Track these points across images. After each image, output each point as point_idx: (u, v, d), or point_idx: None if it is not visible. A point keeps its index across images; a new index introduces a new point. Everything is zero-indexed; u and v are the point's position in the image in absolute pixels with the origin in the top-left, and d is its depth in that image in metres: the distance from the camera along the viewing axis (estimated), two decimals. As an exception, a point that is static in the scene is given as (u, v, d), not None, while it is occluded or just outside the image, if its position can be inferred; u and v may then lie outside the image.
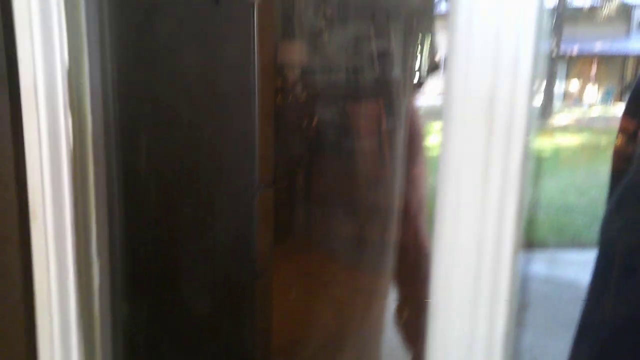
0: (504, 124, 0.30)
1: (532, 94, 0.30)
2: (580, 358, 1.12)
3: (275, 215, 1.24)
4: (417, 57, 1.35)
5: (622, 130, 1.15)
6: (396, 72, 1.34)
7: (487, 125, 0.30)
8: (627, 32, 18.63)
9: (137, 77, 0.73)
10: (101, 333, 0.55)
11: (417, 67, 1.35)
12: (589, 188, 6.33)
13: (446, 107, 0.32)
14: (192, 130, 0.95)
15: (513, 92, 0.30)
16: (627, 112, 1.16)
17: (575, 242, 4.71)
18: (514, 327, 0.32)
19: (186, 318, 0.93)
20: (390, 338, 1.27)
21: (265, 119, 1.15)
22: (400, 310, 1.28)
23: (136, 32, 0.75)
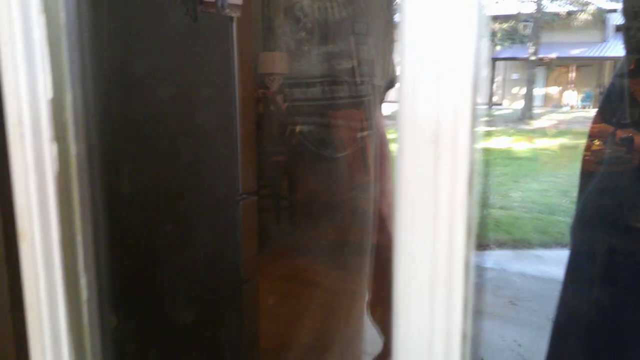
0: (449, 148, 0.33)
1: (473, 122, 0.34)
2: (557, 352, 1.17)
3: (260, 222, 1.27)
4: (393, 64, 1.40)
5: (593, 134, 1.19)
6: (377, 80, 1.38)
7: (434, 150, 0.34)
8: (604, 37, 19.01)
9: (118, 100, 0.76)
10: (91, 343, 0.58)
11: (392, 74, 1.39)
12: (571, 188, 6.45)
13: (399, 135, 0.36)
14: (173, 143, 0.97)
15: (455, 122, 0.34)
16: (599, 118, 1.20)
17: (559, 242, 4.80)
18: (470, 323, 0.36)
19: (173, 325, 0.95)
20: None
21: (246, 128, 1.18)
22: (373, 306, 1.32)
23: (116, 59, 0.78)
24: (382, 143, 1.33)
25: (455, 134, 0.32)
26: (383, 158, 1.34)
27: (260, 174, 1.27)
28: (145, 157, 0.87)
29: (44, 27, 0.51)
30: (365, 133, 1.35)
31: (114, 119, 0.72)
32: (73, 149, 0.53)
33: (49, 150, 0.52)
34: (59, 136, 0.52)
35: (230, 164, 1.14)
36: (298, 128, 1.49)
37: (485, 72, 0.34)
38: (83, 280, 0.55)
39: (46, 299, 0.55)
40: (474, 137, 0.32)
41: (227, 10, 1.16)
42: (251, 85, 1.28)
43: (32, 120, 0.52)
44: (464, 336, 0.37)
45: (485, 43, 0.34)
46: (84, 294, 0.56)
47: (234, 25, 1.14)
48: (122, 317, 0.69)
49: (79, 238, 0.54)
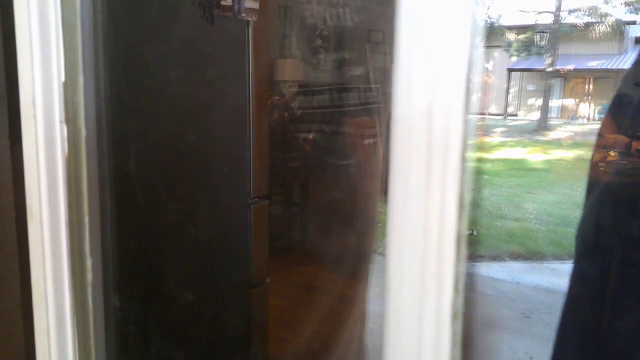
0: (442, 121, 0.34)
1: (466, 108, 0.35)
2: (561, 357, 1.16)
3: (271, 227, 1.27)
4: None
5: (606, 144, 1.19)
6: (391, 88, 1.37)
7: (427, 134, 0.35)
8: (622, 49, 18.80)
9: (129, 92, 0.78)
10: (94, 324, 0.59)
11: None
12: (586, 201, 6.37)
13: (394, 112, 0.36)
14: (185, 142, 0.98)
15: (448, 105, 0.34)
16: (610, 125, 1.19)
17: (572, 254, 4.73)
18: (461, 302, 0.36)
19: (177, 313, 0.96)
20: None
21: (260, 131, 1.19)
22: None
23: (129, 50, 0.80)
24: None
25: (448, 108, 0.33)
26: None
27: (273, 180, 1.27)
28: (156, 147, 0.88)
29: (60, 11, 0.53)
30: (380, 141, 1.36)
31: (124, 105, 0.74)
32: (83, 131, 0.55)
33: (60, 132, 0.53)
34: (70, 119, 0.54)
35: (242, 166, 1.15)
36: (312, 135, 1.50)
37: (479, 66, 0.34)
38: (89, 263, 0.57)
39: (52, 279, 0.56)
40: (465, 109, 0.33)
41: (244, 15, 1.17)
42: (266, 89, 1.29)
43: (45, 102, 0.53)
44: (454, 315, 0.37)
45: (479, 42, 0.35)
46: (89, 277, 0.57)
47: (250, 29, 1.15)
48: (125, 300, 0.70)
49: (86, 220, 0.56)
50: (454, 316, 0.37)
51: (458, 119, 0.33)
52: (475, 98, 0.35)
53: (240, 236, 1.20)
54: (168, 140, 0.91)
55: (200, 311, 1.07)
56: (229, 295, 1.17)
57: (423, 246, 0.35)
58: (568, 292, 1.16)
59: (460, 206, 0.35)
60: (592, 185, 1.21)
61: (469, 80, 0.34)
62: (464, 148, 0.34)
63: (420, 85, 0.33)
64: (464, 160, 0.35)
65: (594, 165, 1.20)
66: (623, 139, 1.16)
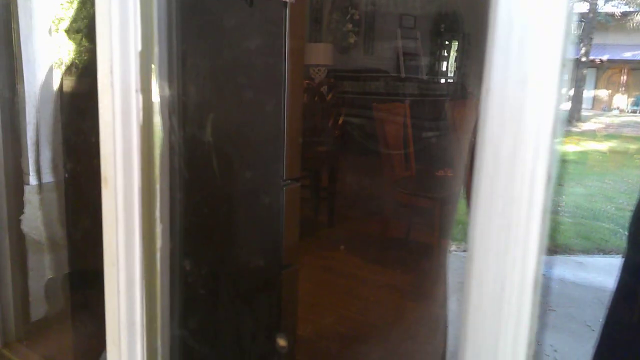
0: (536, 101, 0.34)
1: (558, 100, 0.35)
2: (604, 355, 1.13)
3: (301, 211, 1.28)
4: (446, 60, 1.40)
5: None
6: (423, 74, 1.39)
7: (521, 102, 0.35)
8: (660, 39, 18.20)
9: (196, 65, 0.79)
10: (161, 286, 0.61)
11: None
12: (617, 194, 6.26)
13: (488, 89, 0.37)
14: (228, 123, 1.00)
15: (542, 78, 0.34)
16: None
17: (602, 248, 4.66)
18: (542, 270, 0.36)
19: (227, 285, 0.98)
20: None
21: (293, 115, 1.20)
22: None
23: (192, 25, 0.81)
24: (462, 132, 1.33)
25: (542, 81, 0.33)
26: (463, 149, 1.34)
27: (302, 164, 1.28)
28: (216, 116, 0.90)
29: (137, -18, 0.54)
30: (410, 127, 1.36)
31: (194, 77, 0.75)
32: (157, 100, 0.56)
33: (135, 101, 0.55)
34: (145, 88, 0.55)
35: (277, 148, 1.16)
36: (341, 120, 1.51)
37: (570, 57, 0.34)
38: (159, 229, 0.59)
39: (124, 244, 0.59)
40: (560, 81, 0.33)
41: (282, -4, 1.17)
42: (301, 72, 1.29)
43: (122, 71, 0.55)
44: (536, 284, 0.38)
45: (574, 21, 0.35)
46: (159, 242, 0.59)
47: (288, 11, 1.15)
48: (192, 264, 0.72)
49: (157, 187, 0.58)
50: (536, 286, 0.37)
51: (552, 90, 0.33)
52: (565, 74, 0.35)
53: (273, 216, 1.21)
54: (227, 114, 0.92)
55: (237, 287, 1.09)
56: (261, 275, 1.19)
57: (509, 215, 0.36)
58: (618, 284, 1.14)
59: (548, 178, 0.36)
60: None
61: (564, 53, 0.34)
62: (556, 120, 0.35)
63: (518, 57, 0.33)
64: (555, 131, 0.35)
65: None
66: None
